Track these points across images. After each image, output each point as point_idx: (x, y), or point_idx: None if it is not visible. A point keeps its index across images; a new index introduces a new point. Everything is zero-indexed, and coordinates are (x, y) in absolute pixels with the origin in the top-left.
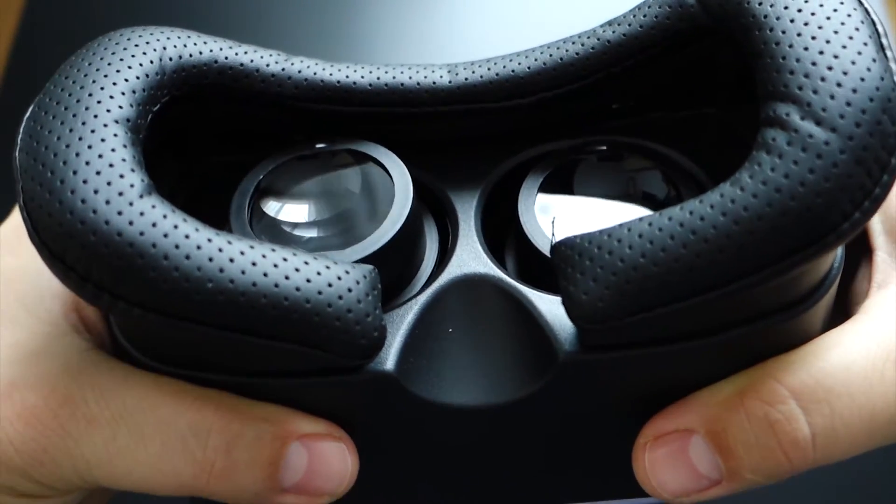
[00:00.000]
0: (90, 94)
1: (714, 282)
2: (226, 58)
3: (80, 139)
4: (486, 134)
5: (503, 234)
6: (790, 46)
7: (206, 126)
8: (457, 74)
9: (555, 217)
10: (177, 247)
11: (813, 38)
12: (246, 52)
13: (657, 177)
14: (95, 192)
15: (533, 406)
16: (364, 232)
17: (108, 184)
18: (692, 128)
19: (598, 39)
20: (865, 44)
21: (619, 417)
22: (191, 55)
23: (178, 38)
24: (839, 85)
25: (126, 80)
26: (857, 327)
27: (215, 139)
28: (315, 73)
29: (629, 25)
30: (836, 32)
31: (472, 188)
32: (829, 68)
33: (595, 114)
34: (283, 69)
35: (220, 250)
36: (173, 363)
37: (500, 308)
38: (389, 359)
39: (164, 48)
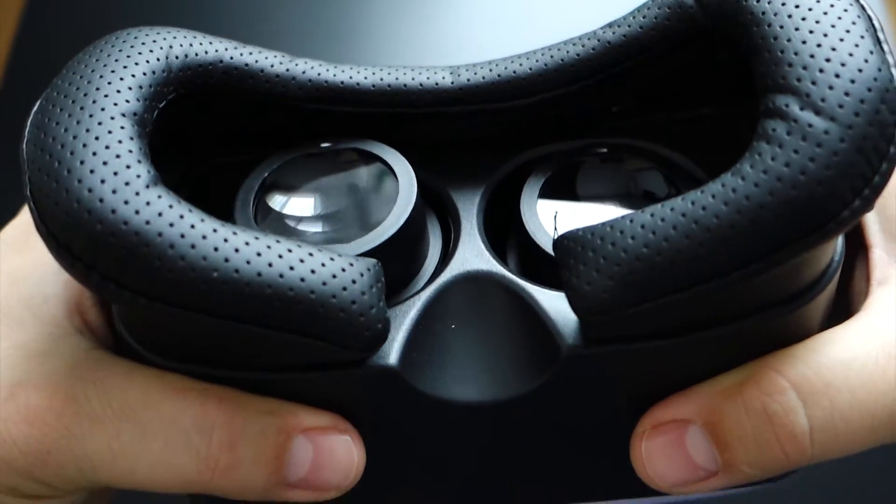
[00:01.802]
0: (97, 89)
1: (717, 271)
2: (231, 58)
3: (87, 130)
4: (488, 135)
5: (505, 233)
6: (788, 40)
7: (211, 125)
8: (459, 76)
9: (557, 211)
10: (182, 236)
11: (810, 31)
12: (251, 53)
13: (658, 178)
14: (102, 181)
15: (537, 401)
16: (368, 227)
17: (115, 174)
18: (692, 128)
19: (599, 41)
20: (862, 37)
21: (622, 412)
22: (196, 54)
23: (185, 37)
24: (837, 76)
25: (133, 76)
26: (859, 324)
27: (219, 139)
28: (319, 74)
29: (629, 27)
30: (833, 26)
31: (474, 188)
32: (828, 60)
33: (595, 114)
34: (287, 70)
35: (226, 240)
36: (175, 358)
37: (503, 304)
38: (392, 353)
39: (171, 46)
